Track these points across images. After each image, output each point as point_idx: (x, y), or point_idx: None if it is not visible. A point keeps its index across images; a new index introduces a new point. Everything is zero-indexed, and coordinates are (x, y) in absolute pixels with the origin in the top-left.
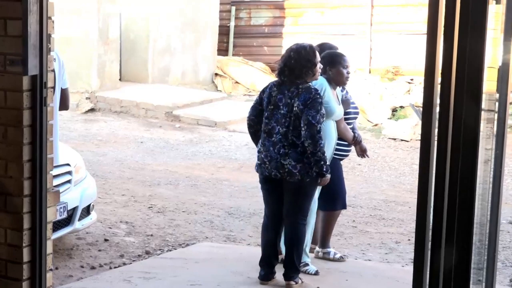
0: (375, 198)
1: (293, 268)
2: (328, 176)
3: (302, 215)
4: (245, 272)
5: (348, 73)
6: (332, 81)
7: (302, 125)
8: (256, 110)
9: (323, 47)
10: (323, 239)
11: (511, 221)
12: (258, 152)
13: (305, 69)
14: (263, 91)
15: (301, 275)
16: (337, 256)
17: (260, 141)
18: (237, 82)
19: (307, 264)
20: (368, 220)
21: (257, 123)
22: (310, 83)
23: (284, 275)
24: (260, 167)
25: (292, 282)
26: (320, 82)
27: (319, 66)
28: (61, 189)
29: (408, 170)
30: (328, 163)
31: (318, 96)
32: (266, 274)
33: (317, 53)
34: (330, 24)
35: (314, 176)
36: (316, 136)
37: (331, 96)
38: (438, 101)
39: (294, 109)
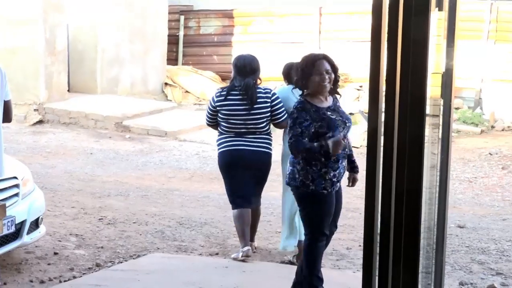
0: None
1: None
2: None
3: (306, 229)
4: (197, 282)
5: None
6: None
7: None
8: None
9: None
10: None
11: (460, 225)
12: None
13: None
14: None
15: None
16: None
17: None
18: (187, 92)
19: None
20: None
21: None
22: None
23: None
24: None
25: None
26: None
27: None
28: (8, 202)
29: (358, 176)
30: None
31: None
32: None
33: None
34: (279, 33)
35: (300, 185)
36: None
37: None
38: (383, 107)
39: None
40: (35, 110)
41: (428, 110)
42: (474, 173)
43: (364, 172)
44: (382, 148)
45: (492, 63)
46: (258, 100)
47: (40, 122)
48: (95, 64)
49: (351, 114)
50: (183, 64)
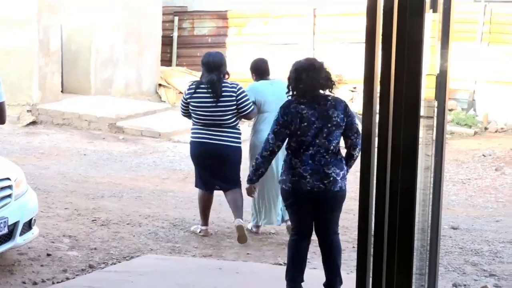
0: None
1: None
2: None
3: (337, 226)
4: (191, 283)
5: None
6: None
7: (351, 134)
8: (282, 135)
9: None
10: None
11: (453, 226)
12: (291, 169)
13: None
14: (286, 114)
15: None
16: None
17: (287, 159)
18: (181, 93)
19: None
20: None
21: (278, 149)
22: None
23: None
24: (298, 183)
25: None
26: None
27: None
28: (1, 203)
29: (352, 178)
30: None
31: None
32: None
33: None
34: (273, 34)
35: (345, 188)
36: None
37: None
38: (377, 109)
39: (334, 119)
40: (28, 111)
41: (422, 112)
42: (467, 174)
43: (358, 174)
44: (376, 150)
45: (486, 64)
46: (224, 94)
47: (33, 123)
48: (89, 65)
49: None
50: (177, 65)
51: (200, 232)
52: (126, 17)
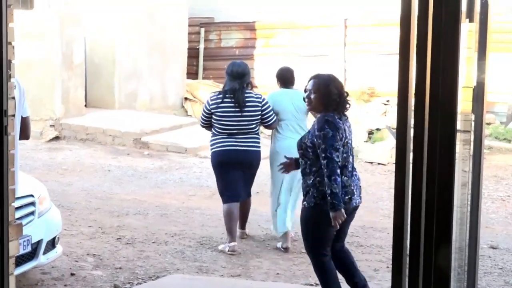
0: (352, 224)
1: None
2: None
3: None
4: None
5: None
6: None
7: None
8: (340, 150)
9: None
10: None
11: (493, 246)
12: (343, 188)
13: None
14: (337, 129)
15: None
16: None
17: (338, 176)
18: None
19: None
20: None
21: None
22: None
23: None
24: (349, 202)
25: None
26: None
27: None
28: (24, 221)
29: (386, 194)
30: None
31: None
32: None
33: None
34: (302, 45)
35: None
36: None
37: None
38: (412, 123)
39: (351, 136)
40: (51, 126)
41: (459, 126)
42: (507, 191)
43: (392, 191)
44: (411, 165)
45: None
46: (250, 104)
47: (56, 138)
48: (113, 78)
49: (377, 129)
50: (203, 78)
51: (228, 250)
52: (150, 29)
